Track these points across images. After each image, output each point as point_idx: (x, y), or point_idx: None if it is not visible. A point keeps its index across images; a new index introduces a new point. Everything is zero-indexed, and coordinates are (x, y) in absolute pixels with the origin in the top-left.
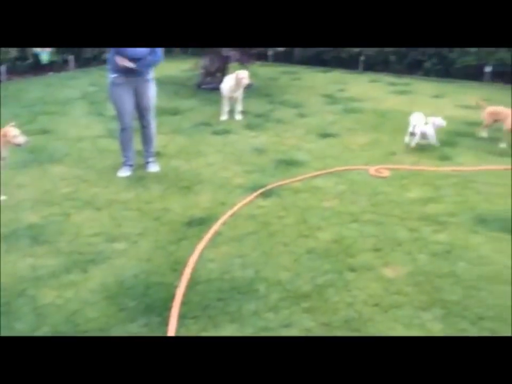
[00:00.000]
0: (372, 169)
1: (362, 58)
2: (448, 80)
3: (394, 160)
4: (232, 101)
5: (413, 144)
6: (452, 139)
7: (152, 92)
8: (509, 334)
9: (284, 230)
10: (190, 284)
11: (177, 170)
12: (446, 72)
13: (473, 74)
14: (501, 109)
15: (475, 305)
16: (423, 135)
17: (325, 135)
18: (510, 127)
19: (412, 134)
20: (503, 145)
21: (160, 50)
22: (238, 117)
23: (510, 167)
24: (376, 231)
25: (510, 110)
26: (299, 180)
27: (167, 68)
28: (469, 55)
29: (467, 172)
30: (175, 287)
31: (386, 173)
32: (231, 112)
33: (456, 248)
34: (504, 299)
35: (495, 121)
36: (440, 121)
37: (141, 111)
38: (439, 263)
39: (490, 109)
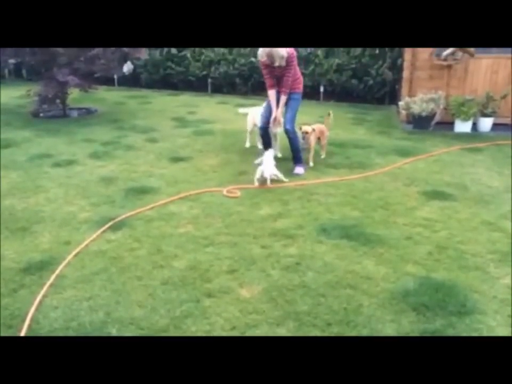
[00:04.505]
0: (224, 190)
1: (210, 80)
2: None
3: (244, 179)
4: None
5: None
6: None
7: None
8: (352, 335)
9: (136, 263)
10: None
11: (10, 210)
12: None
13: (310, 94)
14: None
15: (323, 312)
16: None
17: (177, 159)
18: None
19: None
20: (323, 156)
21: None
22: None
23: (344, 178)
24: (231, 252)
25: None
26: (151, 207)
27: None
28: (304, 77)
29: (309, 185)
30: None
31: (238, 193)
32: None
33: (305, 259)
34: (348, 302)
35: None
36: None
37: None
38: (290, 276)
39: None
